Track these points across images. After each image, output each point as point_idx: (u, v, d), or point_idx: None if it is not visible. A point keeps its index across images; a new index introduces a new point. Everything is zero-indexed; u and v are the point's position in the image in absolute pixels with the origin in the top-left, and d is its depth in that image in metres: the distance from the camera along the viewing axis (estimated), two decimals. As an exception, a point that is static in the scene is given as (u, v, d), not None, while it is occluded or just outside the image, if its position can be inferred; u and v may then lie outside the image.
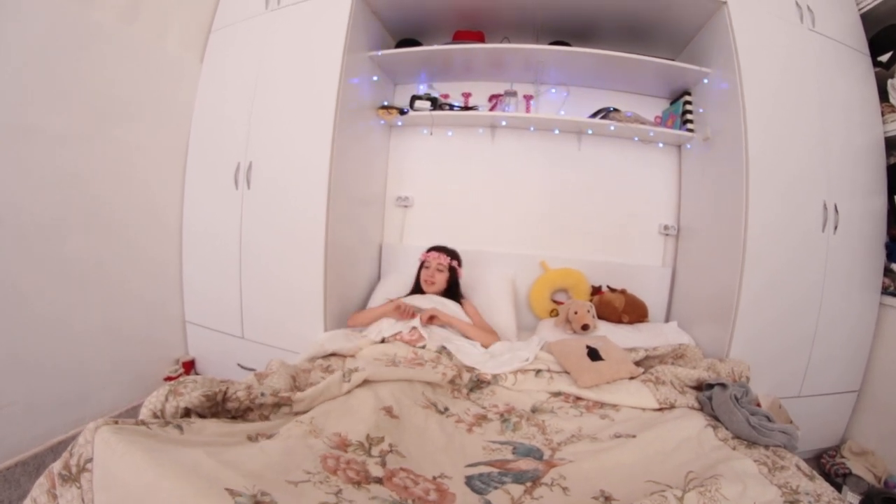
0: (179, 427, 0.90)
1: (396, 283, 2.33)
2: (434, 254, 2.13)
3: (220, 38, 2.32)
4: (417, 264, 2.20)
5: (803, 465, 1.14)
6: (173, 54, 2.22)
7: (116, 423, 0.81)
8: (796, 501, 0.97)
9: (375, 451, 1.02)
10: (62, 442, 1.81)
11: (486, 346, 1.87)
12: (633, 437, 1.25)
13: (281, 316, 2.12)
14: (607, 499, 0.98)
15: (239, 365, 2.24)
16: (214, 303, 2.28)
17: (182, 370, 2.31)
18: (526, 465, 1.09)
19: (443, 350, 1.69)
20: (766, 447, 1.21)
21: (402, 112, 2.33)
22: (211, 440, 0.91)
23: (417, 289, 2.15)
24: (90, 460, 0.76)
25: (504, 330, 2.15)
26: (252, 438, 0.98)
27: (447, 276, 2.11)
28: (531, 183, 2.51)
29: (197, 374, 2.40)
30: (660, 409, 1.45)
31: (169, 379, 2.25)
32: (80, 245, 1.86)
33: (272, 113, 2.10)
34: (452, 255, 2.17)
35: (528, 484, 1.00)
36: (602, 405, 1.48)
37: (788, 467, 1.12)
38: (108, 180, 1.96)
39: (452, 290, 2.13)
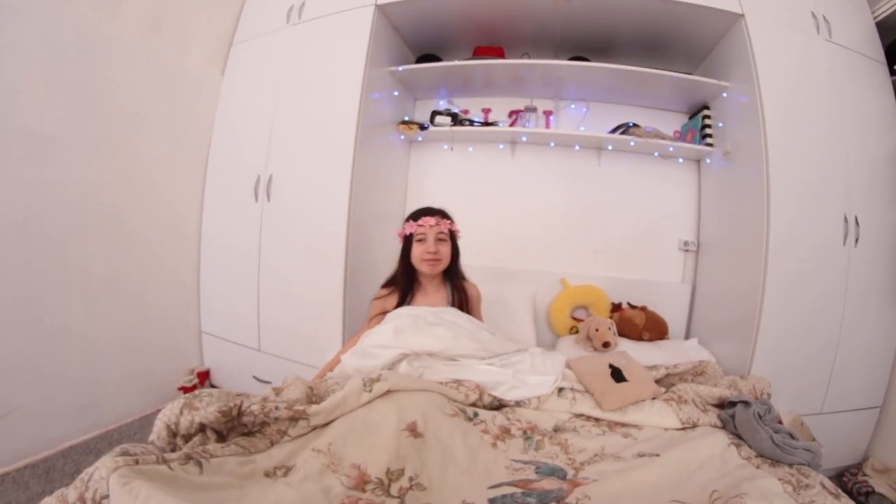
0: (199, 464, 0.90)
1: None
2: (429, 219, 1.63)
3: (242, 52, 2.42)
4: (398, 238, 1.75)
5: (828, 483, 1.14)
6: (195, 67, 2.31)
7: (137, 462, 0.79)
8: (822, 519, 0.97)
9: (395, 488, 1.00)
10: (73, 447, 1.87)
11: None
12: (657, 456, 1.25)
13: (298, 329, 2.16)
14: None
15: (255, 377, 2.29)
16: (231, 314, 2.34)
17: (197, 381, 2.36)
18: (549, 484, 1.10)
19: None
20: (791, 465, 1.21)
21: (422, 127, 2.38)
22: (230, 481, 0.91)
23: (407, 279, 1.70)
24: (106, 497, 0.75)
25: (523, 343, 2.15)
26: (269, 475, 0.97)
27: (450, 247, 1.68)
28: (551, 198, 2.54)
29: (212, 385, 2.45)
30: (682, 429, 1.45)
31: (183, 389, 2.31)
32: (99, 254, 1.93)
33: (293, 126, 2.17)
34: (445, 214, 1.71)
35: (553, 504, 1.02)
36: (625, 425, 1.49)
37: (813, 486, 1.11)
38: (128, 191, 2.04)
39: (455, 265, 1.74)
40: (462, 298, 1.71)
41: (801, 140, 1.87)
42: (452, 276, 1.72)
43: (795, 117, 1.88)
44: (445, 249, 1.65)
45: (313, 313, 2.11)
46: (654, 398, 1.59)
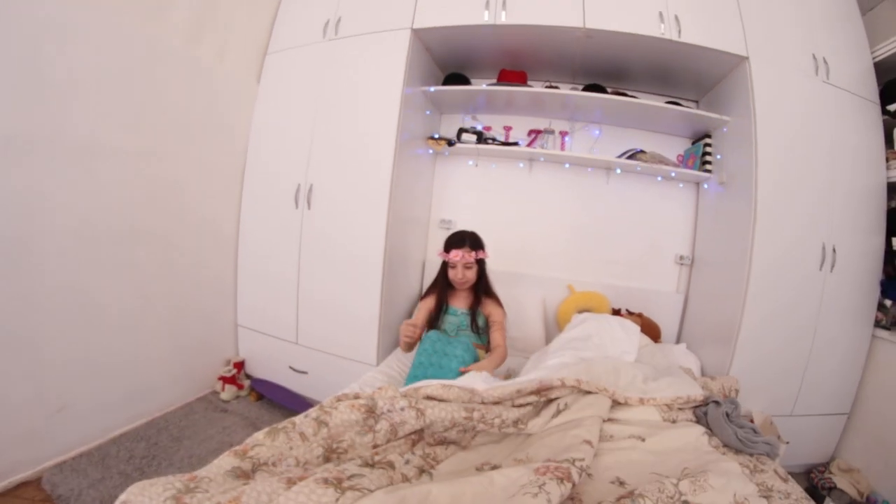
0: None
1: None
2: (457, 252, 1.99)
3: (277, 61, 2.57)
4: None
5: (780, 470, 1.41)
6: (232, 74, 2.43)
7: None
8: (769, 496, 1.24)
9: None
10: (123, 434, 2.06)
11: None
12: (643, 440, 1.52)
13: (336, 324, 2.41)
14: (621, 483, 1.27)
15: (291, 367, 2.54)
16: (269, 310, 2.56)
17: (234, 370, 2.57)
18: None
19: None
20: (752, 455, 1.48)
21: (449, 143, 2.61)
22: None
23: (444, 285, 2.11)
24: None
25: (535, 343, 2.48)
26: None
27: (476, 270, 2.06)
28: (562, 212, 2.80)
29: (247, 374, 2.67)
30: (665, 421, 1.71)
31: (223, 379, 2.52)
32: (147, 256, 2.10)
33: (333, 139, 2.36)
34: (474, 243, 2.05)
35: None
36: (617, 421, 1.73)
37: (767, 471, 1.39)
38: (173, 196, 2.19)
39: (481, 282, 2.12)
40: (477, 303, 2.10)
41: (790, 175, 2.11)
42: (477, 289, 2.12)
43: (786, 154, 2.11)
44: (471, 274, 2.06)
45: (350, 309, 2.35)
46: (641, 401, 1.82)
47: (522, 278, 2.75)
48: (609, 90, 2.47)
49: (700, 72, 2.36)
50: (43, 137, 1.63)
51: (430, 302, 2.12)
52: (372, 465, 1.19)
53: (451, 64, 2.66)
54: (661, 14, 2.07)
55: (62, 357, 1.79)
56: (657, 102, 2.36)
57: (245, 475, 1.07)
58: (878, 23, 2.29)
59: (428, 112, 2.65)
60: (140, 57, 1.92)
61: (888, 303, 2.23)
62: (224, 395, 2.50)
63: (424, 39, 2.36)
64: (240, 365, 2.61)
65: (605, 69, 2.50)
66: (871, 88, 2.26)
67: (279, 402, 2.49)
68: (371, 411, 1.36)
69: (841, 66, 2.21)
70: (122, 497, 0.93)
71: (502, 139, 2.74)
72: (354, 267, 2.33)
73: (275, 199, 2.48)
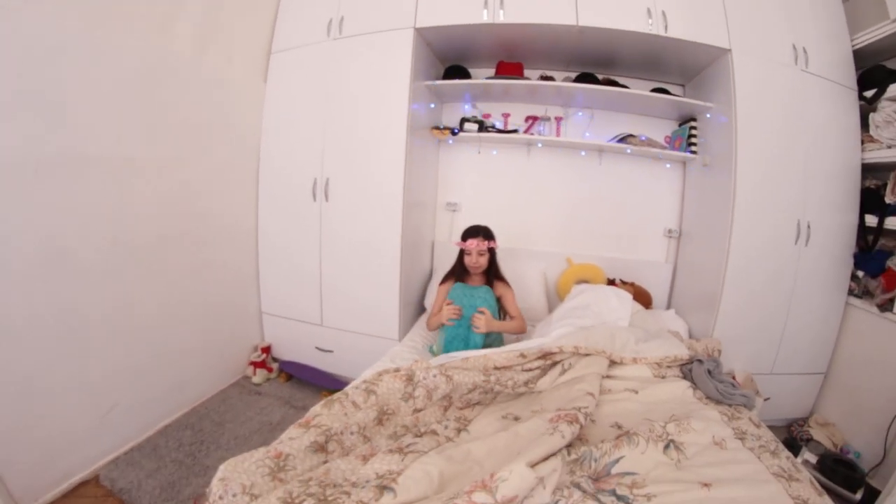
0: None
1: None
2: (473, 241, 2.29)
3: (282, 61, 2.68)
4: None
5: (755, 418, 1.68)
6: (240, 77, 2.54)
7: None
8: (743, 438, 1.50)
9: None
10: (169, 425, 2.25)
11: (522, 332, 2.37)
12: (636, 392, 1.78)
13: (358, 305, 2.65)
14: (619, 427, 1.54)
15: (317, 348, 2.79)
16: (292, 296, 2.78)
17: (264, 355, 2.79)
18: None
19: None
20: (729, 405, 1.73)
21: (453, 132, 2.78)
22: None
23: (461, 270, 2.39)
24: None
25: (538, 312, 2.75)
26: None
27: (488, 257, 2.35)
28: (559, 192, 3.02)
29: (274, 358, 2.91)
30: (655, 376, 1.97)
31: (253, 364, 2.75)
32: (175, 259, 2.23)
33: (346, 133, 2.52)
34: (487, 234, 2.35)
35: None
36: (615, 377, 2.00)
37: (743, 419, 1.65)
38: (195, 200, 2.32)
39: (492, 268, 2.39)
40: (490, 286, 2.37)
41: (769, 157, 2.31)
42: (489, 273, 2.40)
43: (765, 138, 2.30)
44: (484, 260, 2.33)
45: (372, 288, 2.59)
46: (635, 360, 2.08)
47: (524, 254, 2.99)
48: (600, 77, 2.65)
49: (685, 61, 2.54)
50: (73, 155, 1.73)
51: (448, 286, 2.39)
52: (421, 435, 1.45)
53: (450, 56, 2.81)
54: (649, 10, 2.23)
55: (108, 361, 1.94)
56: (645, 91, 2.55)
57: (322, 448, 1.32)
58: (858, 10, 2.40)
59: (432, 105, 2.82)
60: (152, 69, 2.00)
61: (861, 274, 2.46)
62: (256, 379, 2.73)
63: (426, 36, 2.49)
64: (267, 350, 2.83)
65: (597, 58, 2.66)
66: (849, 75, 2.42)
67: (308, 380, 2.73)
68: (410, 379, 1.65)
69: (820, 55, 2.37)
70: (220, 474, 1.14)
71: (501, 126, 2.92)
72: (373, 251, 2.55)
73: (292, 194, 2.66)
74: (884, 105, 2.25)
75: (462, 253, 2.39)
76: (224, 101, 2.45)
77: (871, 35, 2.31)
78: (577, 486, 1.21)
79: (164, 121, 2.09)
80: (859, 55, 2.42)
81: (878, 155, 2.33)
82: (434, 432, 1.47)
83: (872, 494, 1.96)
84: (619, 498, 1.20)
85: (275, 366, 2.84)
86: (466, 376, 1.70)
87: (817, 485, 1.32)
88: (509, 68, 2.65)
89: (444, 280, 2.43)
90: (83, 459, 1.88)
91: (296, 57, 2.63)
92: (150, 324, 2.12)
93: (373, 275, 2.58)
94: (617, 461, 1.32)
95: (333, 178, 2.56)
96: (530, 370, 1.89)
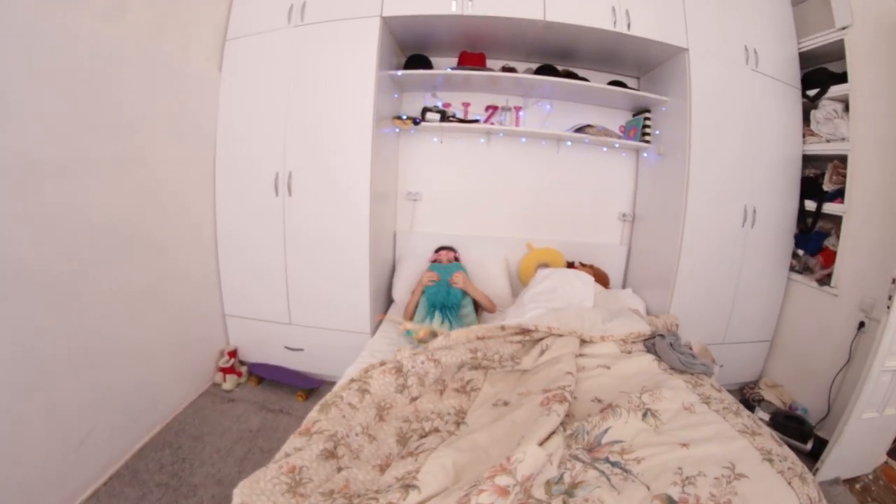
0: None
1: (412, 269, 2.91)
2: (444, 252, 2.80)
3: (238, 48, 2.54)
4: (426, 250, 2.92)
5: (715, 384, 1.90)
6: (196, 66, 2.39)
7: None
8: (708, 402, 1.70)
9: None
10: (145, 446, 2.13)
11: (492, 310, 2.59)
12: (608, 368, 1.95)
13: (328, 301, 2.63)
14: (599, 401, 1.70)
15: (286, 347, 2.74)
16: (257, 296, 2.70)
17: (231, 360, 2.70)
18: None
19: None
20: (692, 374, 1.94)
21: (415, 122, 2.80)
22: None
23: None
24: None
25: (502, 297, 2.87)
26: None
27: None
28: (519, 180, 3.14)
29: (241, 361, 2.81)
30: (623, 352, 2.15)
31: (223, 370, 2.65)
32: (139, 266, 2.07)
33: (309, 125, 2.46)
34: (453, 250, 2.87)
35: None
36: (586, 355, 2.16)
37: (705, 385, 1.86)
38: (150, 200, 2.13)
39: None
40: None
41: (720, 149, 2.55)
42: None
43: (716, 131, 2.53)
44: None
45: (342, 283, 2.59)
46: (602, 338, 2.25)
47: (486, 240, 3.11)
48: (560, 69, 2.78)
49: (643, 56, 2.73)
50: (19, 158, 1.52)
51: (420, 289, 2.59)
52: (426, 435, 1.53)
53: (411, 45, 2.81)
54: (613, 9, 2.37)
55: (75, 386, 1.77)
56: (604, 84, 2.73)
57: (332, 454, 1.34)
58: (808, 15, 2.65)
59: (395, 95, 2.83)
60: (105, 60, 1.82)
61: (801, 252, 2.78)
62: (226, 386, 2.64)
63: (391, 25, 2.48)
64: (233, 353, 2.74)
65: (558, 51, 2.78)
66: (794, 75, 2.69)
67: (280, 380, 2.69)
68: (399, 370, 1.71)
69: (769, 56, 2.62)
70: (237, 500, 1.14)
71: (462, 115, 2.97)
72: (340, 244, 2.54)
73: (252, 189, 2.56)
74: (825, 104, 2.56)
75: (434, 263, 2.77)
76: (180, 92, 2.29)
77: (816, 40, 2.58)
78: (576, 457, 1.34)
79: (119, 116, 1.92)
80: (804, 57, 2.70)
81: (817, 147, 2.66)
82: (436, 429, 1.55)
83: (821, 444, 2.26)
84: (613, 464, 1.34)
85: (243, 369, 2.76)
86: (453, 356, 1.79)
87: (777, 437, 1.53)
88: (472, 59, 2.71)
89: (416, 288, 2.61)
90: (62, 499, 1.72)
91: (253, 44, 2.52)
92: (115, 340, 1.96)
93: (341, 269, 2.57)
94: (605, 432, 1.46)
95: (297, 171, 2.50)
96: (513, 343, 2.03)
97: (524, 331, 2.07)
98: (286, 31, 2.47)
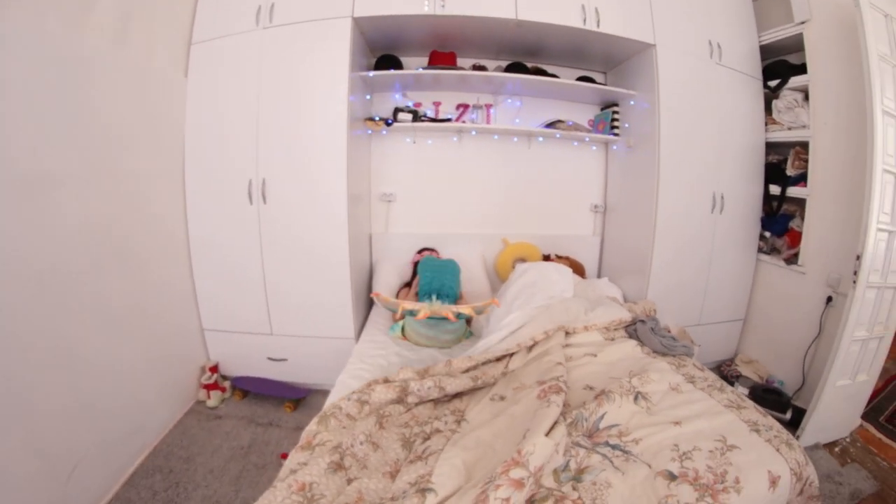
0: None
1: (390, 273, 2.92)
2: (426, 253, 2.91)
3: (205, 52, 2.45)
4: (403, 252, 3.04)
5: (698, 364, 2.01)
6: (162, 70, 2.31)
7: None
8: (693, 381, 1.80)
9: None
10: (135, 473, 2.03)
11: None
12: (595, 355, 2.03)
13: (309, 308, 2.59)
14: (591, 388, 1.77)
15: (269, 358, 2.69)
16: (236, 308, 2.62)
17: (214, 375, 2.62)
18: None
19: None
20: (674, 356, 2.04)
21: (387, 123, 2.80)
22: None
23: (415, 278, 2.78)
24: None
25: (482, 294, 2.90)
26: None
27: None
28: (492, 177, 3.21)
29: (223, 376, 2.73)
30: (607, 339, 2.23)
31: (207, 387, 2.57)
32: (113, 284, 1.98)
33: (281, 129, 2.41)
34: (433, 250, 3.00)
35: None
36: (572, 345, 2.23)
37: (688, 366, 1.96)
38: (125, 213, 2.06)
39: None
40: None
41: (688, 138, 2.68)
42: None
43: (685, 121, 2.65)
44: None
45: (322, 289, 2.55)
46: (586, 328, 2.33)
47: (462, 238, 3.15)
48: (529, 66, 2.84)
49: (611, 52, 2.82)
50: None
51: (406, 295, 2.69)
52: (429, 437, 1.54)
53: (381, 45, 2.81)
54: (583, 6, 2.44)
55: (58, 419, 1.67)
56: (572, 79, 2.81)
57: (340, 466, 1.34)
58: (767, 10, 2.82)
59: (368, 97, 2.83)
60: (69, 66, 1.74)
61: (767, 234, 2.96)
62: (211, 403, 2.56)
63: (361, 25, 2.46)
64: (214, 368, 2.66)
65: (527, 48, 2.85)
66: (756, 67, 2.84)
67: (266, 392, 2.63)
68: (404, 390, 1.73)
69: (732, 49, 2.76)
70: None
71: (433, 114, 3.00)
72: (319, 250, 2.51)
73: (226, 197, 2.48)
74: (786, 94, 2.73)
75: (416, 266, 2.83)
76: (146, 99, 2.20)
77: (776, 34, 2.75)
78: (578, 444, 1.40)
79: (83, 125, 1.82)
80: (765, 50, 2.85)
81: (779, 135, 2.83)
82: (438, 430, 1.57)
83: (799, 413, 2.43)
84: (613, 447, 1.41)
85: (227, 384, 2.69)
86: (456, 384, 1.79)
87: (760, 409, 1.64)
88: (443, 58, 2.74)
89: (403, 288, 2.78)
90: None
91: (221, 48, 2.44)
92: (94, 366, 1.86)
93: (321, 275, 2.54)
94: (602, 417, 1.53)
95: (270, 177, 2.44)
96: (501, 360, 2.05)
97: (529, 348, 2.09)
98: (255, 33, 2.41)
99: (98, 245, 1.91)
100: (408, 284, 2.82)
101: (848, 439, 2.41)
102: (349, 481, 1.31)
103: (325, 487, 1.25)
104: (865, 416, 2.51)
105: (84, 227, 1.83)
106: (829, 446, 2.35)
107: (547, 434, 1.33)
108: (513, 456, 1.20)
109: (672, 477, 1.27)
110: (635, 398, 1.64)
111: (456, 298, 2.58)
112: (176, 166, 2.48)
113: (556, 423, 1.41)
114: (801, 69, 2.62)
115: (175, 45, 2.41)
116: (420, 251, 2.95)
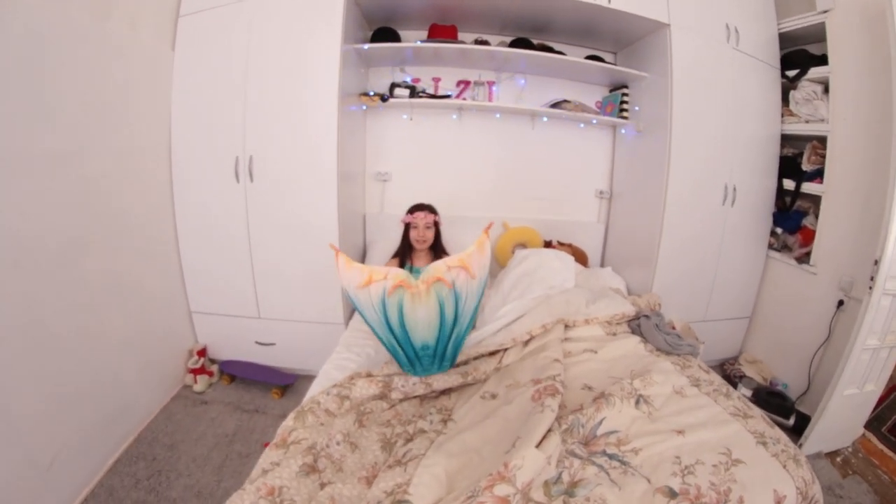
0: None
1: (384, 251, 2.76)
2: (420, 214, 2.43)
3: (192, 25, 2.32)
4: (401, 227, 2.54)
5: (703, 365, 1.91)
6: (148, 45, 2.20)
7: None
8: (698, 385, 1.70)
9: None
10: (118, 461, 2.00)
11: None
12: (595, 352, 1.93)
13: (297, 292, 2.52)
14: (590, 388, 1.67)
15: (257, 342, 2.62)
16: (224, 290, 2.55)
17: (201, 359, 2.56)
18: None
19: None
20: (679, 355, 1.95)
21: (383, 99, 2.65)
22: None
23: (406, 248, 2.49)
24: None
25: None
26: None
27: (434, 231, 2.49)
28: (493, 157, 3.06)
29: (211, 360, 2.67)
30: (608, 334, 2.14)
31: (194, 371, 2.51)
32: (92, 267, 1.90)
33: (269, 105, 2.29)
34: (432, 210, 2.50)
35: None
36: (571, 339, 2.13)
37: (693, 367, 1.86)
38: (103, 196, 1.97)
39: (438, 242, 2.53)
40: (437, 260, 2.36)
41: (700, 125, 2.53)
42: (436, 248, 2.52)
43: (697, 108, 2.50)
44: (430, 233, 2.46)
45: (311, 272, 2.46)
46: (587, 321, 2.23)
47: (460, 220, 2.96)
48: (535, 43, 2.67)
49: (622, 31, 2.65)
50: None
51: (393, 264, 2.40)
52: (412, 438, 1.45)
53: (378, 18, 2.65)
54: (594, -20, 2.26)
55: (36, 406, 1.61)
56: (580, 58, 2.64)
57: (313, 469, 1.26)
58: None
59: (362, 70, 2.67)
60: (44, 42, 1.63)
61: (778, 230, 2.83)
62: (198, 387, 2.50)
63: (356, -5, 2.30)
64: (202, 352, 2.60)
65: (532, 24, 2.68)
66: (774, 54, 2.68)
67: (253, 378, 2.57)
68: (388, 386, 1.64)
69: (749, 35, 2.59)
70: None
71: (432, 91, 2.84)
72: (308, 231, 2.41)
73: (212, 175, 2.38)
74: (804, 85, 2.57)
75: (407, 229, 2.49)
76: (129, 75, 2.07)
77: (796, 21, 2.58)
78: (572, 453, 1.30)
79: (60, 104, 1.71)
80: (784, 38, 2.69)
81: (796, 128, 2.68)
82: (422, 430, 1.48)
83: (802, 418, 2.34)
84: (610, 457, 1.31)
85: (214, 368, 2.62)
86: (444, 381, 1.71)
87: (768, 419, 1.54)
88: (443, 31, 2.58)
89: (392, 258, 2.48)
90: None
91: (207, 19, 2.29)
92: (74, 350, 1.79)
93: (310, 257, 2.44)
94: (600, 423, 1.43)
95: (258, 154, 2.33)
96: (494, 354, 1.96)
97: (525, 342, 2.00)
98: (244, 3, 2.26)
99: (78, 226, 1.83)
100: (397, 255, 2.53)
101: (850, 449, 2.33)
102: (322, 486, 1.23)
103: (295, 492, 1.17)
104: (868, 426, 2.41)
105: (62, 208, 1.75)
106: (831, 455, 2.27)
107: (539, 444, 1.25)
108: (498, 469, 1.11)
109: (672, 494, 1.19)
110: (637, 402, 1.54)
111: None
112: (161, 145, 2.37)
113: (549, 430, 1.33)
114: (822, 60, 2.47)
115: (161, 17, 2.27)
116: (412, 209, 2.49)
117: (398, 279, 1.51)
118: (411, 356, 1.62)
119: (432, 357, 1.63)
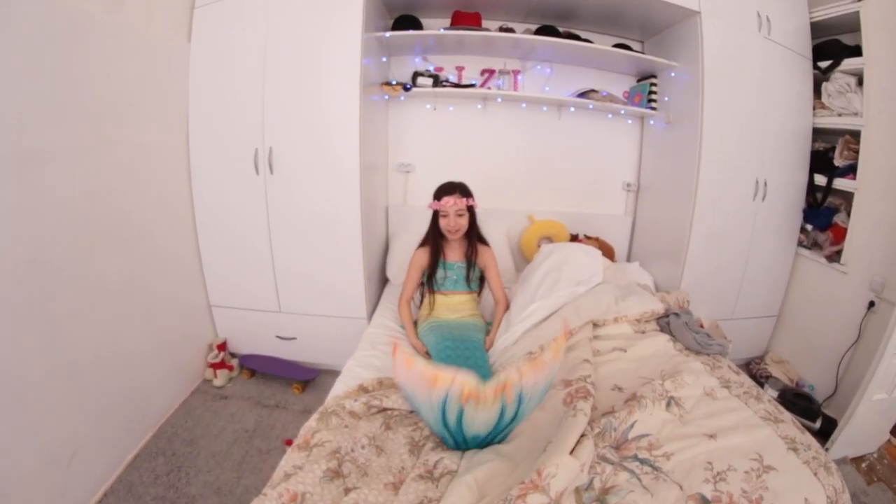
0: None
1: (407, 244, 2.66)
2: (449, 199, 2.08)
3: (208, 16, 2.32)
4: (426, 217, 2.27)
5: (733, 366, 1.89)
6: (163, 38, 2.19)
7: None
8: (728, 386, 1.70)
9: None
10: (138, 456, 2.02)
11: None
12: (625, 350, 1.93)
13: (318, 286, 2.54)
14: (620, 389, 1.67)
15: (278, 336, 2.67)
16: (243, 284, 2.58)
17: (221, 353, 2.60)
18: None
19: None
20: (708, 355, 1.94)
21: (405, 88, 2.65)
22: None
23: (436, 237, 2.20)
24: None
25: (506, 273, 2.74)
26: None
27: (468, 218, 2.16)
28: (518, 148, 3.04)
29: (231, 353, 2.72)
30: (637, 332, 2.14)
31: (213, 366, 2.56)
32: (113, 259, 1.93)
33: (289, 96, 2.29)
34: (464, 191, 2.14)
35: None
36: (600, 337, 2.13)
37: (723, 367, 1.85)
38: (126, 185, 2.00)
39: (473, 229, 2.23)
40: (473, 253, 2.25)
41: (731, 117, 2.48)
42: (470, 236, 2.24)
43: (728, 99, 2.46)
44: (463, 221, 2.15)
45: (332, 266, 2.48)
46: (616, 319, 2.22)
47: (485, 213, 2.85)
48: (561, 31, 2.64)
49: (650, 18, 2.61)
50: None
51: (422, 258, 2.21)
52: (440, 442, 1.46)
53: (400, 5, 2.63)
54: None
55: (56, 402, 1.64)
56: (608, 46, 2.60)
57: (337, 474, 1.28)
58: None
59: (384, 59, 2.66)
60: (58, 36, 1.62)
61: (809, 227, 2.78)
62: (218, 382, 2.55)
63: (376, -19, 2.29)
64: (222, 346, 2.64)
65: (557, 11, 2.64)
66: (806, 44, 2.62)
67: (273, 373, 2.61)
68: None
69: (781, 24, 2.53)
70: None
71: (455, 80, 2.83)
72: (330, 223, 2.43)
73: (230, 168, 2.40)
74: (837, 77, 2.49)
75: (436, 216, 2.18)
76: (144, 68, 2.08)
77: (829, 10, 2.49)
78: (604, 458, 1.31)
79: (75, 99, 1.72)
80: (816, 27, 2.61)
81: (828, 121, 2.61)
82: None
83: (828, 422, 2.32)
84: (642, 462, 1.32)
85: (234, 362, 2.67)
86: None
87: (798, 424, 1.54)
88: (467, 18, 2.55)
89: (419, 247, 2.26)
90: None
91: (223, 10, 2.29)
92: (94, 347, 1.82)
93: (332, 250, 2.46)
94: (632, 426, 1.43)
95: (277, 146, 2.34)
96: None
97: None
98: (259, -7, 2.25)
99: (94, 221, 1.83)
100: (425, 243, 2.25)
101: (875, 455, 2.30)
102: (346, 491, 1.24)
103: (318, 498, 1.18)
104: (894, 431, 2.38)
105: (78, 204, 1.75)
106: (856, 461, 2.25)
107: (573, 451, 1.26)
108: (531, 477, 1.11)
109: (705, 501, 1.19)
110: (668, 404, 1.54)
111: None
112: (179, 138, 2.39)
113: (583, 435, 1.34)
114: (856, 51, 2.38)
115: (176, 8, 2.27)
116: (439, 193, 2.14)
117: (467, 389, 1.27)
118: (460, 441, 1.48)
119: (481, 443, 1.50)
